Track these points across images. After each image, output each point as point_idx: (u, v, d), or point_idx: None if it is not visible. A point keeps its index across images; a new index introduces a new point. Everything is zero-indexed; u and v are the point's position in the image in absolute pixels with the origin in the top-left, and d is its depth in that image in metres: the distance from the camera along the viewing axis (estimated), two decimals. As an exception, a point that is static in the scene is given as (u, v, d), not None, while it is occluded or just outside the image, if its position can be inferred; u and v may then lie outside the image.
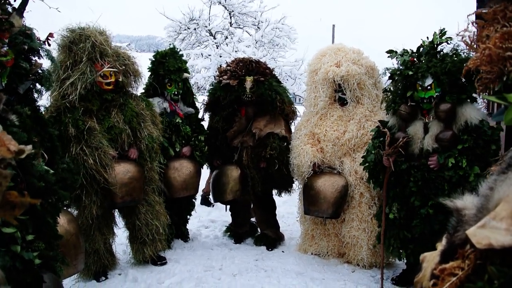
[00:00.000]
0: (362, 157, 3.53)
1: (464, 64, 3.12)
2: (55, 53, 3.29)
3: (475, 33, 1.16)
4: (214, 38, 13.14)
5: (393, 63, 3.35)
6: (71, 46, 3.32)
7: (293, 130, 4.38)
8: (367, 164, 3.40)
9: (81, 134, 3.25)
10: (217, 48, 12.41)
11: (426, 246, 3.13)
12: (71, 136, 3.22)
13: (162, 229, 3.79)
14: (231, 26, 13.27)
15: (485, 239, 0.67)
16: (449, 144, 3.01)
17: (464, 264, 0.72)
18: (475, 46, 1.17)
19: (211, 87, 4.51)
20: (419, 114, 3.24)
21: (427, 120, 3.19)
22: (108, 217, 3.64)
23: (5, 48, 1.95)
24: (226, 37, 12.86)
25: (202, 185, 4.53)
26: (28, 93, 2.29)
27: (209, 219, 5.38)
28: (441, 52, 3.16)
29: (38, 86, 2.34)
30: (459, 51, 3.12)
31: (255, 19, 13.33)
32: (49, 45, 2.33)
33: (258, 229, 4.72)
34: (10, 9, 1.89)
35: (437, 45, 3.16)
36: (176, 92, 4.21)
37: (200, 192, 4.76)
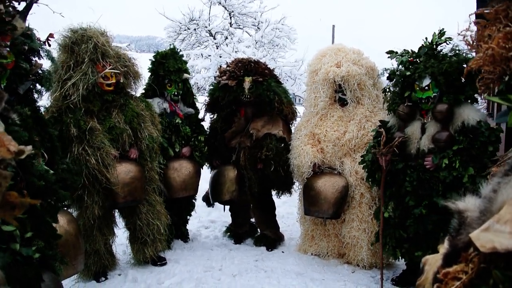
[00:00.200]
0: (361, 156, 3.56)
1: (463, 65, 3.12)
2: (55, 54, 3.29)
3: (476, 32, 1.15)
4: (214, 38, 13.14)
5: (392, 64, 3.35)
6: (73, 46, 3.32)
7: (293, 131, 4.37)
8: (365, 163, 3.43)
9: (83, 134, 3.26)
10: (217, 48, 12.41)
11: (420, 246, 3.14)
12: (73, 136, 3.22)
13: (163, 229, 3.79)
14: (231, 26, 13.27)
15: (489, 242, 0.66)
16: (445, 145, 3.00)
17: (467, 268, 0.71)
18: (476, 45, 1.16)
19: (211, 87, 4.51)
20: (417, 115, 3.24)
21: (425, 121, 3.19)
22: (109, 217, 3.64)
23: (6, 50, 1.94)
24: (226, 38, 12.87)
25: (202, 185, 4.53)
26: (28, 93, 2.29)
27: (209, 219, 5.38)
28: (441, 53, 3.15)
29: (38, 86, 2.34)
30: (457, 51, 3.12)
31: (255, 19, 13.33)
32: (49, 45, 2.33)
33: (258, 229, 4.72)
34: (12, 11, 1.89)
35: (436, 45, 3.16)
36: (176, 93, 4.20)
37: (203, 192, 4.77)
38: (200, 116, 4.57)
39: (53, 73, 3.06)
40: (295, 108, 4.53)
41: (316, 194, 3.83)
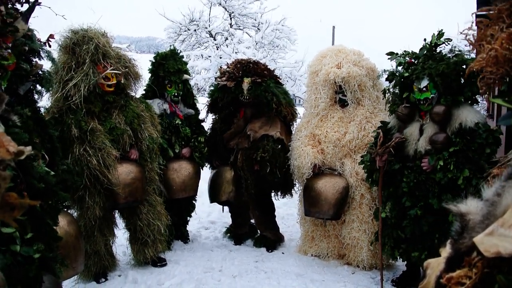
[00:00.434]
0: (361, 157, 3.57)
1: (462, 66, 3.11)
2: (56, 54, 3.28)
3: (478, 32, 1.15)
4: (214, 39, 13.14)
5: (392, 65, 3.35)
6: (74, 47, 3.32)
7: (293, 132, 4.37)
8: (364, 164, 3.44)
9: (84, 135, 3.26)
10: (217, 49, 12.41)
11: (416, 246, 3.14)
12: (74, 137, 3.22)
13: (163, 230, 3.79)
14: (231, 27, 13.27)
15: (493, 247, 0.65)
16: (442, 147, 2.99)
17: (471, 273, 0.70)
18: (478, 45, 1.15)
19: (212, 88, 4.51)
20: (417, 116, 3.23)
21: (424, 122, 3.18)
22: (109, 218, 3.64)
23: (7, 52, 1.94)
24: (226, 39, 12.87)
25: (201, 186, 4.53)
26: (28, 94, 2.28)
27: (209, 220, 5.37)
28: (439, 54, 3.15)
29: (38, 87, 2.34)
30: (457, 51, 3.11)
31: (255, 20, 13.33)
32: (50, 46, 2.32)
33: (258, 230, 4.71)
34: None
35: (435, 46, 3.15)
36: (176, 94, 4.19)
37: (203, 192, 4.77)
38: (202, 117, 4.57)
39: (54, 74, 3.05)
40: (295, 109, 4.52)
41: (316, 195, 3.83)
